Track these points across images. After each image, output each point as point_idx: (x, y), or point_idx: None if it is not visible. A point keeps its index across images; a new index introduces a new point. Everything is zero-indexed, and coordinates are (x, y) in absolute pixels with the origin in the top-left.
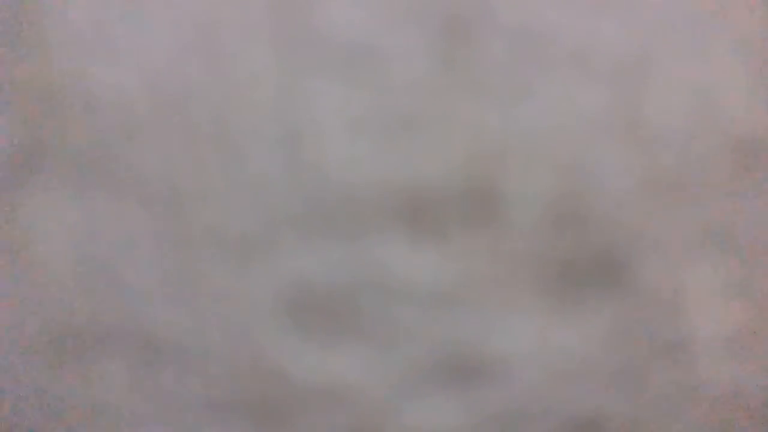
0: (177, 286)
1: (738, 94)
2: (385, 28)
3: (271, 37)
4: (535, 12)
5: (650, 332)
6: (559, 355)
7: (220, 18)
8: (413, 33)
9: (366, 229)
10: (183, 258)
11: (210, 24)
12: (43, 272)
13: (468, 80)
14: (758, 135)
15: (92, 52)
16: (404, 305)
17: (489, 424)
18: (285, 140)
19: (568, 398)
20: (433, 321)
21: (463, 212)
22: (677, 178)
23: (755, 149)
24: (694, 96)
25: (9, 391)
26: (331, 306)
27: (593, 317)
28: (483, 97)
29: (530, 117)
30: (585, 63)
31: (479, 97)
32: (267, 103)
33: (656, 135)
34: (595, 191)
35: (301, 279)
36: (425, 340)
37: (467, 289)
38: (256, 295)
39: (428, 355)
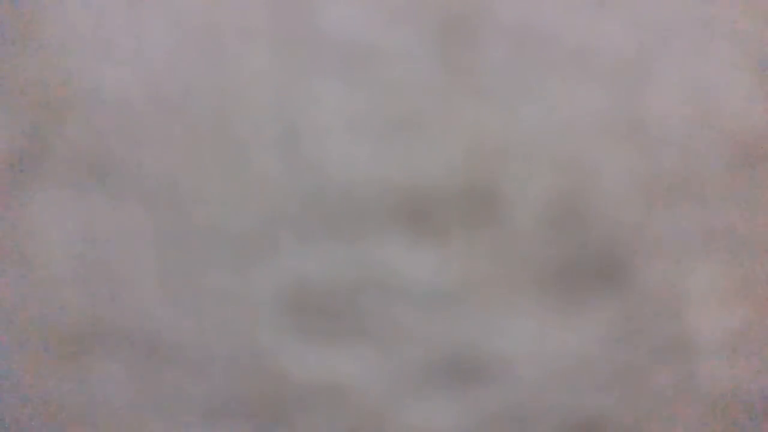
0: (177, 286)
1: (738, 94)
2: (385, 27)
3: (271, 37)
4: (535, 12)
5: (650, 332)
6: (559, 355)
7: (219, 18)
8: (413, 33)
9: (366, 229)
10: (183, 258)
11: (210, 24)
12: (43, 272)
13: (468, 80)
14: (758, 135)
15: (92, 52)
16: (404, 305)
17: (489, 424)
18: (285, 140)
19: (568, 398)
20: (434, 321)
21: (463, 212)
22: (677, 178)
23: (755, 149)
24: (694, 96)
25: (9, 391)
26: (331, 306)
27: (593, 317)
28: (483, 97)
29: (530, 117)
30: (585, 63)
31: (479, 96)
32: (267, 103)
33: (656, 135)
34: (596, 191)
35: (301, 279)
36: (425, 340)
37: (467, 289)
38: (256, 295)
39: (428, 355)
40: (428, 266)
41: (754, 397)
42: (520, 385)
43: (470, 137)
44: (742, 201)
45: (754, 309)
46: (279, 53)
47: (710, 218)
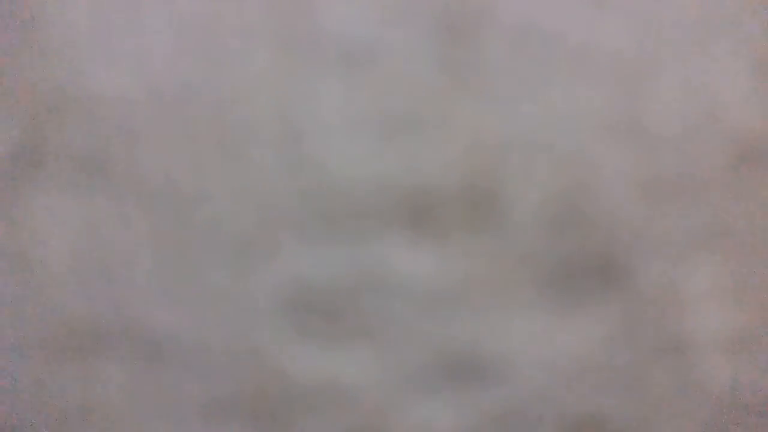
0: (177, 286)
1: (738, 94)
2: (385, 27)
3: (271, 36)
4: (535, 11)
5: (650, 332)
6: (559, 355)
7: (219, 18)
8: (413, 32)
9: (366, 229)
10: (183, 258)
11: (210, 24)
12: (43, 272)
13: (468, 80)
14: (758, 135)
15: (92, 53)
16: (404, 305)
17: (489, 424)
18: (285, 140)
19: (568, 398)
20: (434, 321)
21: (463, 212)
22: (677, 178)
23: (755, 149)
24: (694, 96)
25: (9, 391)
26: (332, 306)
27: (593, 317)
28: (483, 97)
29: (530, 116)
30: (585, 62)
31: (479, 96)
32: (267, 102)
33: (656, 135)
34: (596, 191)
35: (301, 279)
36: (425, 340)
37: (467, 288)
38: (256, 295)
39: (428, 355)
40: (428, 266)
41: (754, 397)
42: (520, 385)
43: (470, 136)
44: (742, 201)
45: (754, 309)
46: (279, 53)
47: (710, 218)
